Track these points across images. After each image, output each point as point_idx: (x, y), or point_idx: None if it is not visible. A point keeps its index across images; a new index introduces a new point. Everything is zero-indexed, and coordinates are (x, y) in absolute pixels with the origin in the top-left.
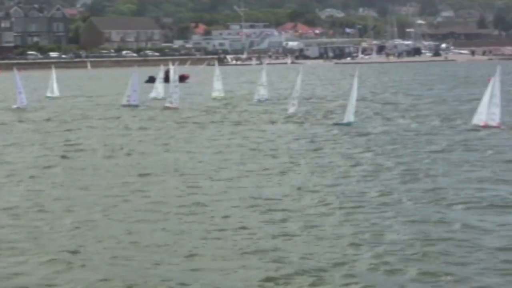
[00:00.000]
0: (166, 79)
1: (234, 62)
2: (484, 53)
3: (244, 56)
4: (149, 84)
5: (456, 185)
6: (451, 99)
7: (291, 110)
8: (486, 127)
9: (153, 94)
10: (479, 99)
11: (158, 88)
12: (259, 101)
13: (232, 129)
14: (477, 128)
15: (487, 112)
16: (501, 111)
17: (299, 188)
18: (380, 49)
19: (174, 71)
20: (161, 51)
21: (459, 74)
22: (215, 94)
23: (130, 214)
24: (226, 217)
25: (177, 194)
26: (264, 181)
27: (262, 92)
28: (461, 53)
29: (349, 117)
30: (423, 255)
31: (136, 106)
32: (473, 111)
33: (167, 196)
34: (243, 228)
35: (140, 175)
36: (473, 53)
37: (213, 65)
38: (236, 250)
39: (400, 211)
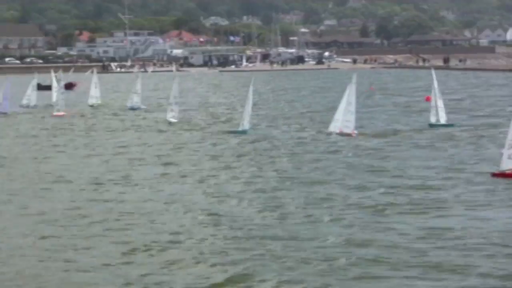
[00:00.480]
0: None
1: (118, 69)
2: (365, 61)
3: (129, 63)
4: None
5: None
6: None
7: (170, 116)
8: (341, 134)
9: (24, 101)
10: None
11: (31, 96)
12: (132, 108)
13: (110, 136)
14: (333, 136)
15: (342, 119)
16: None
17: (172, 195)
18: (264, 57)
19: (61, 78)
20: (44, 58)
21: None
22: (92, 101)
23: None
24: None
25: (64, 204)
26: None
27: (136, 99)
28: (344, 61)
29: (245, 125)
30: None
31: (5, 113)
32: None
33: (54, 207)
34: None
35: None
36: (355, 61)
37: (98, 72)
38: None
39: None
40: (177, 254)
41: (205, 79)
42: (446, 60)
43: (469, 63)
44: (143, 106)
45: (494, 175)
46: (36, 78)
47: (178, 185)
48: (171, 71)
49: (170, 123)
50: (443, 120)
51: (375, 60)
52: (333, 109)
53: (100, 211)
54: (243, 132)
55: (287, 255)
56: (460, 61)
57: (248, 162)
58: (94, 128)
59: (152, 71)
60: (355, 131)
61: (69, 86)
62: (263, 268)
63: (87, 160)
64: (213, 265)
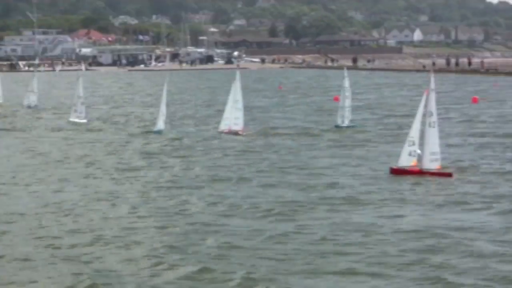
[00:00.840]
0: None
1: (26, 68)
2: (273, 61)
3: (37, 62)
4: None
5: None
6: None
7: (74, 117)
8: (230, 132)
9: None
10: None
11: None
12: (29, 107)
13: (19, 137)
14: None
15: (231, 117)
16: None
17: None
18: (174, 57)
19: None
20: None
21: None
22: None
23: None
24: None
25: None
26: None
27: (32, 98)
28: (253, 61)
29: (160, 124)
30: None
31: None
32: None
33: None
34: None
35: None
36: (263, 61)
37: (6, 71)
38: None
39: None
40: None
41: (115, 78)
42: (354, 60)
43: (377, 63)
44: (40, 105)
45: (393, 171)
46: None
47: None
48: (81, 70)
49: (73, 123)
50: (348, 120)
51: (286, 60)
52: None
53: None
54: (158, 132)
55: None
56: (369, 61)
57: (157, 161)
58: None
59: (61, 70)
60: (243, 130)
61: None
62: None
63: None
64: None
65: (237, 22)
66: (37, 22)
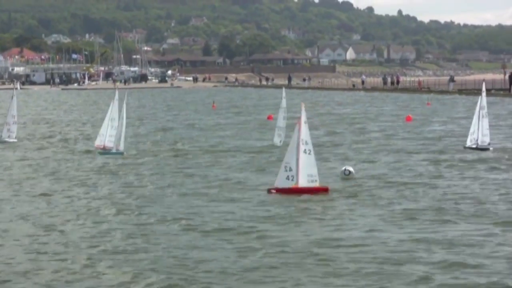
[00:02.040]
0: None
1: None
2: (204, 80)
3: None
4: None
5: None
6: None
7: (5, 136)
8: (103, 148)
9: None
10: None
11: None
12: None
13: None
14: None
15: (107, 134)
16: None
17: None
18: (107, 75)
19: None
20: None
21: (187, 100)
22: None
23: None
24: None
25: None
26: None
27: None
28: (186, 80)
29: (120, 145)
30: None
31: None
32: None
33: None
34: None
35: None
36: (195, 79)
37: None
38: None
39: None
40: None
41: (48, 97)
42: (289, 79)
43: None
44: None
45: (270, 191)
46: None
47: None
48: (16, 88)
49: (5, 142)
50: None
51: (226, 78)
52: (189, 126)
53: None
54: (119, 153)
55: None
56: (304, 80)
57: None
58: None
59: None
60: (120, 147)
61: None
62: None
63: None
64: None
65: (170, 40)
66: None
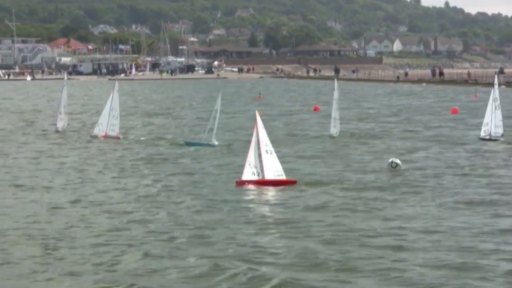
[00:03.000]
0: None
1: (6, 77)
2: (248, 71)
3: (17, 70)
4: None
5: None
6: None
7: (60, 125)
8: (106, 137)
9: None
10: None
11: None
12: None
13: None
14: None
15: (107, 123)
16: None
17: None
18: (154, 66)
19: None
20: None
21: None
22: None
23: None
24: None
25: None
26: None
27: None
28: (233, 71)
29: (212, 138)
30: None
31: None
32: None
33: None
34: None
35: None
36: (240, 70)
37: None
38: None
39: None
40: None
41: (98, 87)
42: (337, 71)
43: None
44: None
45: (238, 183)
46: None
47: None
48: (63, 78)
49: (56, 131)
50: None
51: (278, 70)
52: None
53: None
54: (210, 145)
55: None
56: (353, 71)
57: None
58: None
59: (41, 79)
60: (120, 135)
61: None
62: None
63: None
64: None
65: (216, 31)
66: (16, 30)
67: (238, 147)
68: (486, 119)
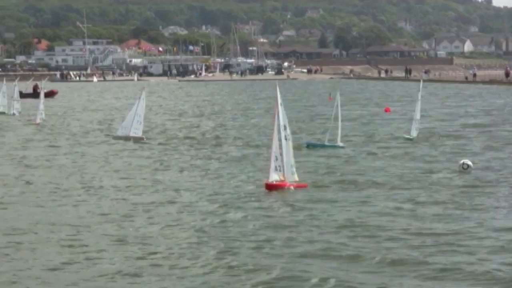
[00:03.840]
0: (34, 93)
1: (77, 78)
2: (315, 72)
3: (89, 72)
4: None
5: None
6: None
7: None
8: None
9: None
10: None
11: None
12: (14, 114)
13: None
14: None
15: (131, 126)
16: None
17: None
18: (226, 67)
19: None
20: (3, 66)
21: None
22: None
23: None
24: None
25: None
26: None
27: (16, 106)
28: (302, 72)
29: (337, 140)
30: None
31: None
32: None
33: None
34: None
35: None
36: (309, 71)
37: (57, 81)
38: None
39: None
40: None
41: (172, 88)
42: (410, 71)
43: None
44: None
45: (267, 186)
46: (16, 86)
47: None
48: (132, 80)
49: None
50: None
51: (351, 71)
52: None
53: None
54: (335, 146)
55: None
56: (426, 72)
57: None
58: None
59: (112, 80)
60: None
61: (49, 94)
62: None
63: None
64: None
65: (286, 32)
66: (87, 32)
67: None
68: None
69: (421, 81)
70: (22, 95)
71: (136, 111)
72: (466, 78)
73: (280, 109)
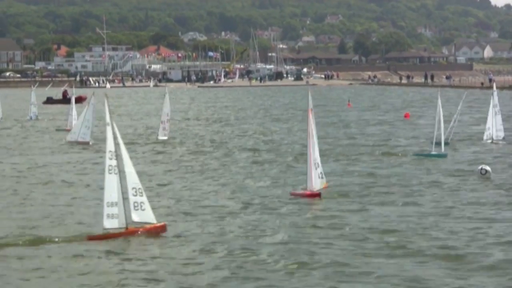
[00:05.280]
0: (64, 99)
1: (97, 84)
2: (331, 77)
3: (111, 78)
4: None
5: None
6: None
7: (162, 135)
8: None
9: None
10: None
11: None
12: (31, 118)
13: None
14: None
15: (79, 132)
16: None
17: None
18: (247, 73)
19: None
20: (22, 72)
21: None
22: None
23: None
24: None
25: None
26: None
27: (33, 110)
28: (321, 77)
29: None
30: None
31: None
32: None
33: None
34: None
35: None
36: (326, 77)
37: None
38: None
39: None
40: None
41: (199, 95)
42: (431, 77)
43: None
44: (39, 117)
45: (292, 194)
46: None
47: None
48: (148, 86)
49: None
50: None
51: (375, 76)
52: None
53: None
54: (441, 156)
55: None
56: (447, 78)
57: None
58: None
59: (129, 86)
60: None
61: (78, 100)
62: None
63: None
64: None
65: (305, 38)
66: (106, 38)
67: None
68: (488, 124)
69: (494, 87)
70: (52, 101)
71: (85, 117)
72: (482, 84)
73: (311, 115)
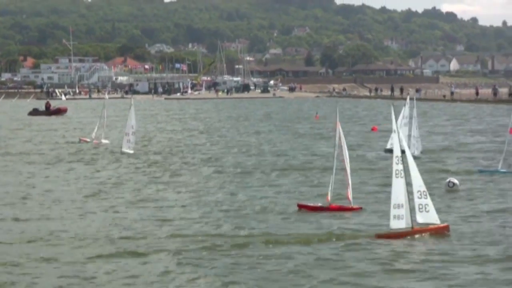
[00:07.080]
0: (47, 111)
1: (63, 96)
2: (294, 89)
3: (77, 90)
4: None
5: None
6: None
7: (126, 147)
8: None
9: None
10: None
11: None
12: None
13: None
14: None
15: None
16: None
17: None
18: (214, 85)
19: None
20: None
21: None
22: None
23: None
24: None
25: None
26: None
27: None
28: (285, 90)
29: (500, 165)
30: None
31: None
32: None
33: None
34: None
35: None
36: (291, 89)
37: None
38: None
39: None
40: None
41: (162, 107)
42: (401, 90)
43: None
44: None
45: (300, 206)
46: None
47: None
48: (104, 98)
49: (122, 153)
50: (418, 150)
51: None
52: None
53: None
54: (499, 172)
55: None
56: (417, 90)
57: None
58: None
59: (89, 98)
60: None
61: (58, 111)
62: None
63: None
64: None
65: (273, 51)
66: (73, 49)
67: None
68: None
69: (414, 99)
70: (38, 113)
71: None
72: (444, 96)
73: (339, 127)
